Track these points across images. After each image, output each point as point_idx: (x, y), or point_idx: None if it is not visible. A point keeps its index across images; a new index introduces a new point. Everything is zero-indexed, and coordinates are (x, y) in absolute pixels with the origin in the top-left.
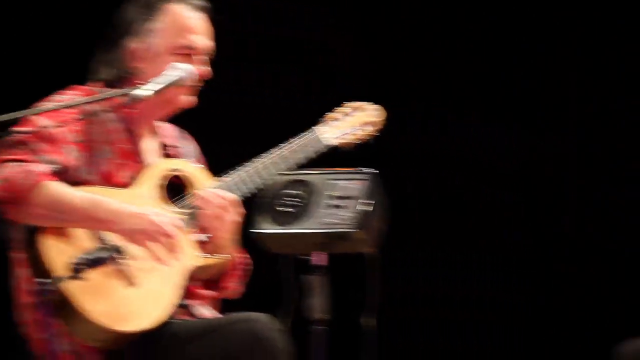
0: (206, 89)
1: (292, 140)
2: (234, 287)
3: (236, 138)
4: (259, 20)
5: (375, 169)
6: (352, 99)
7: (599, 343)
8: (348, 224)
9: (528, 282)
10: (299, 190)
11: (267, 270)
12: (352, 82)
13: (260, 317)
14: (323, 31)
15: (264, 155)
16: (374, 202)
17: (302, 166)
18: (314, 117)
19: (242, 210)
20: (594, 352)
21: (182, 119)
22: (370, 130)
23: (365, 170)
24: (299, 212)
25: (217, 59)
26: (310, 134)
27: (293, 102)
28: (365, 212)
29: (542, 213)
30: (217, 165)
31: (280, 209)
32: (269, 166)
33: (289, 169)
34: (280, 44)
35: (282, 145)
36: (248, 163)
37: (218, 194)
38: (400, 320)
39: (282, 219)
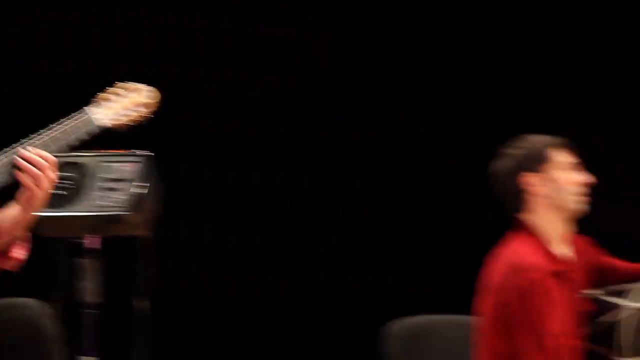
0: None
1: (62, 120)
2: (18, 256)
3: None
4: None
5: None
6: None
7: None
8: (121, 207)
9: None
10: (72, 173)
11: (40, 253)
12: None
13: (29, 303)
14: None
15: (33, 136)
16: (148, 184)
17: (75, 148)
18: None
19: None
20: None
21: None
22: (143, 111)
23: (139, 152)
24: (72, 195)
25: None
26: (81, 114)
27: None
28: (139, 195)
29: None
30: None
31: (52, 191)
32: (39, 148)
33: (61, 151)
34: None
35: (53, 126)
36: (17, 144)
37: (39, 153)
38: (174, 303)
39: (54, 201)
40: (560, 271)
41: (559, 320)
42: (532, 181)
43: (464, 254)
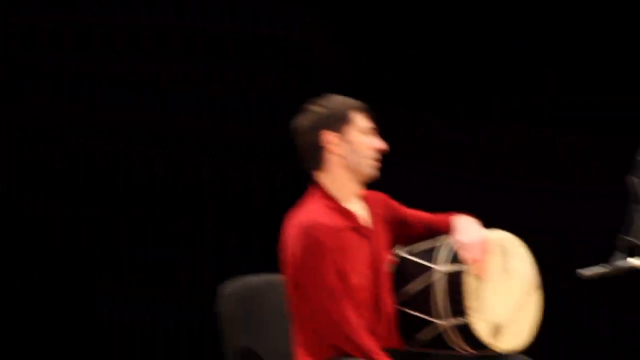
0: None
1: None
2: None
3: None
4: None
5: None
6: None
7: None
8: None
9: None
10: None
11: None
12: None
13: None
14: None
15: None
16: None
17: None
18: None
19: None
20: None
21: None
22: None
23: None
24: None
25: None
26: None
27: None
28: None
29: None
30: None
31: None
32: None
33: None
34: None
35: None
36: None
37: None
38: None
39: None
40: (355, 227)
41: (359, 275)
42: (330, 139)
43: None
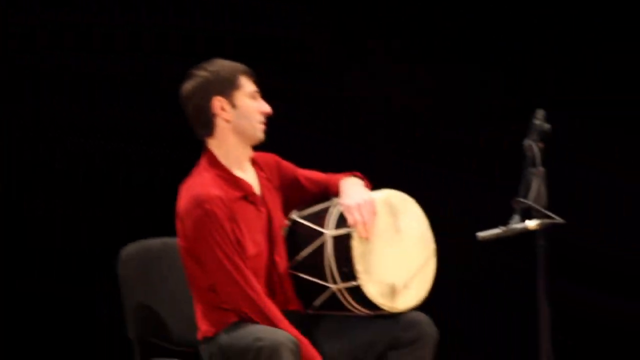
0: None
1: None
2: None
3: None
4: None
5: None
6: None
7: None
8: None
9: None
10: None
11: None
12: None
13: None
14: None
15: None
16: None
17: None
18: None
19: None
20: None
21: None
22: None
23: None
24: None
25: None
26: None
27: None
28: None
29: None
30: None
31: None
32: None
33: None
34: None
35: None
36: None
37: None
38: None
39: None
40: (246, 196)
41: (253, 243)
42: (219, 105)
43: None
